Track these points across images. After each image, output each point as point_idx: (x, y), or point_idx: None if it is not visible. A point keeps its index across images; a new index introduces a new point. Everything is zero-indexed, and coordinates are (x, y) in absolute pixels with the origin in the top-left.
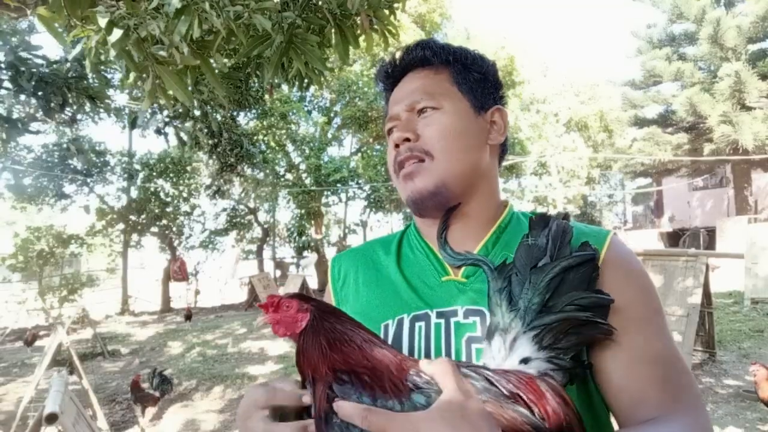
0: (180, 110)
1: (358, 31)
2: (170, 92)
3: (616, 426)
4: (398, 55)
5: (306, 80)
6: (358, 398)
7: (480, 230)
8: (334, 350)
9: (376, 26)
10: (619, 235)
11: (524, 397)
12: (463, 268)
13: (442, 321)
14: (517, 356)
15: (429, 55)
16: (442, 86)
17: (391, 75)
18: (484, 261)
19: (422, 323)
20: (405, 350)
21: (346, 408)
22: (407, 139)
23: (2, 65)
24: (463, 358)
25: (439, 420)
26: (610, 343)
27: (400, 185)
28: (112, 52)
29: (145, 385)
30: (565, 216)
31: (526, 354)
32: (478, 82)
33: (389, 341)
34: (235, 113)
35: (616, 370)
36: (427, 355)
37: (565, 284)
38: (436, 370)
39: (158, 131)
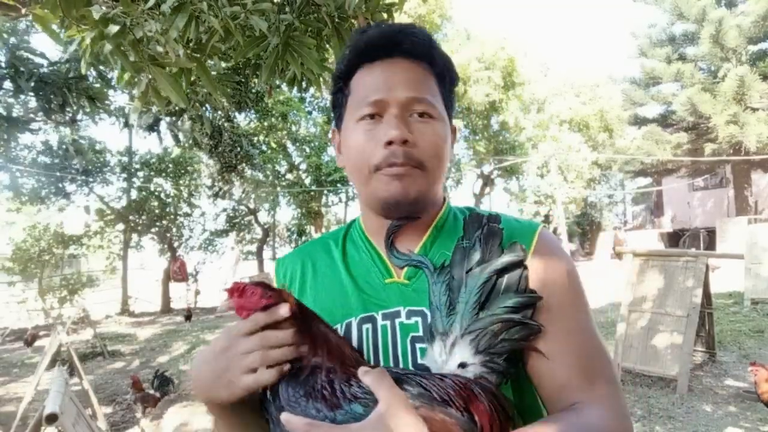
0: (175, 109)
1: None
2: (164, 94)
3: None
4: (392, 29)
5: (304, 82)
6: (303, 408)
7: (420, 231)
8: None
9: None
10: (620, 233)
11: (456, 401)
12: (405, 270)
13: (388, 322)
14: (456, 361)
15: (434, 54)
16: (436, 93)
17: (373, 49)
18: (425, 263)
19: (369, 325)
20: None
21: (293, 422)
22: (405, 141)
23: (2, 65)
24: (409, 357)
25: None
26: (538, 339)
27: (380, 181)
28: (108, 47)
29: (145, 386)
30: (496, 216)
31: (463, 359)
32: (450, 94)
33: None
34: (234, 114)
35: (543, 364)
36: (375, 357)
37: (496, 286)
38: (371, 379)
39: (150, 128)
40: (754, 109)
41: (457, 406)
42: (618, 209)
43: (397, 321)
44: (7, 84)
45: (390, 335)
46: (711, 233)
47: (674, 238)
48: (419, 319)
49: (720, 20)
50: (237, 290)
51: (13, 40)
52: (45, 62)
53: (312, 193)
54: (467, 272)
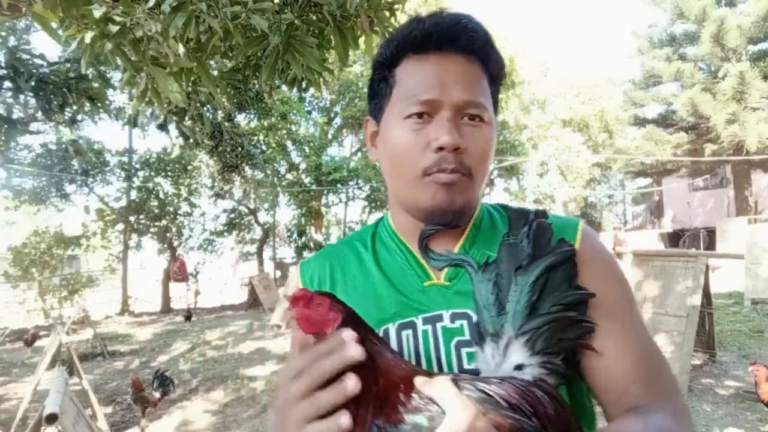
0: (176, 108)
1: (358, 33)
2: (163, 94)
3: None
4: (448, 20)
5: (305, 82)
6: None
7: (456, 232)
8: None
9: (376, 27)
10: (620, 233)
11: (523, 407)
12: (445, 271)
13: (429, 327)
14: (511, 363)
15: (490, 53)
16: (488, 96)
17: (422, 41)
18: (468, 261)
19: (409, 331)
20: None
21: None
22: (457, 148)
23: (1, 65)
24: (454, 364)
25: None
26: (593, 338)
27: (426, 189)
28: (108, 46)
29: (145, 386)
30: (543, 212)
31: (519, 360)
32: (499, 92)
33: None
34: (235, 114)
35: (600, 363)
36: (417, 364)
37: (549, 284)
38: (434, 390)
39: (161, 127)
40: (755, 109)
41: (525, 411)
42: (618, 209)
43: (439, 325)
44: (7, 84)
45: (432, 341)
46: (711, 233)
47: (674, 238)
48: (464, 323)
49: (721, 19)
50: (303, 299)
51: (12, 40)
52: (44, 62)
53: (312, 192)
54: (516, 270)
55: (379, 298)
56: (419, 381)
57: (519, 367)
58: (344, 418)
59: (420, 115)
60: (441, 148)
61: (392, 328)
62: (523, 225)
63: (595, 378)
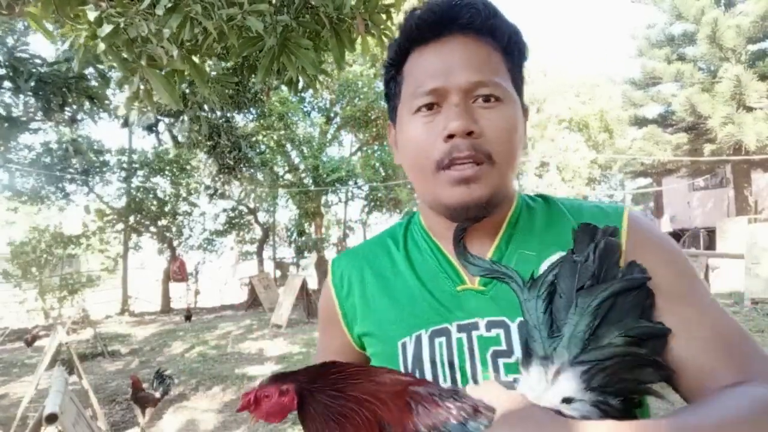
0: (172, 110)
1: (354, 35)
2: (156, 95)
3: None
4: (447, 2)
5: (302, 83)
6: None
7: (491, 230)
8: (340, 427)
9: (372, 30)
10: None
11: None
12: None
13: (464, 335)
14: (559, 393)
15: (498, 25)
16: (504, 72)
17: (427, 29)
18: (513, 277)
19: (443, 339)
20: (427, 369)
21: None
22: (470, 132)
23: (1, 64)
24: (490, 374)
25: (507, 427)
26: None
27: (443, 184)
28: (101, 47)
29: (145, 386)
30: (614, 229)
31: (569, 392)
32: (521, 74)
33: (409, 361)
34: (233, 114)
35: (675, 353)
36: (452, 374)
37: (614, 311)
38: (483, 391)
39: (149, 128)
40: (753, 109)
41: None
42: None
43: (474, 334)
44: (7, 84)
45: (467, 350)
46: (711, 233)
47: (674, 238)
48: (501, 332)
49: (715, 21)
50: (250, 402)
51: (11, 40)
52: (44, 62)
53: (311, 193)
54: (578, 290)
55: (411, 303)
56: (469, 388)
57: (567, 401)
58: None
59: (429, 106)
60: (451, 136)
61: (425, 335)
62: (589, 241)
63: (677, 375)
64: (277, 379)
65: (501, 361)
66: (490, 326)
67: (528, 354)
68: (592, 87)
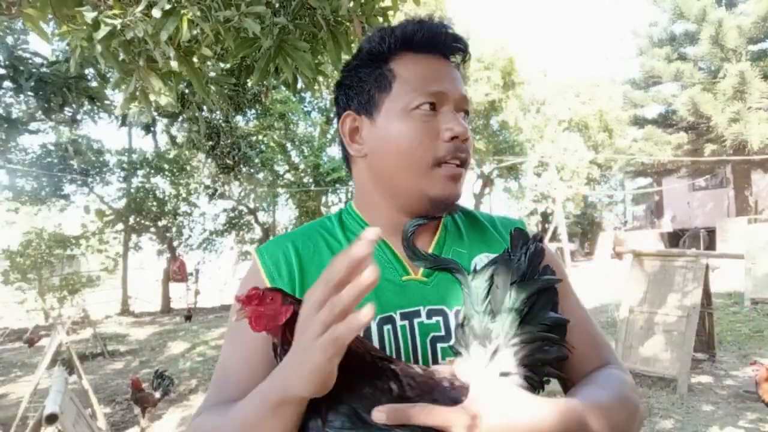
0: (170, 111)
1: (351, 38)
2: (152, 97)
3: None
4: (444, 27)
5: (300, 84)
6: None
7: (430, 228)
8: None
9: (369, 33)
10: (620, 233)
11: None
12: (422, 267)
13: (407, 322)
14: (497, 368)
15: (466, 61)
16: None
17: (419, 41)
18: (457, 269)
19: (389, 326)
20: None
21: (400, 410)
22: (466, 139)
23: (1, 64)
24: (429, 358)
25: (486, 401)
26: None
27: (436, 177)
28: (98, 48)
29: (144, 385)
30: (541, 236)
31: (506, 368)
32: None
33: None
34: (233, 115)
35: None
36: (397, 358)
37: (537, 303)
38: (457, 368)
39: (146, 128)
40: (756, 109)
41: None
42: (618, 209)
43: (416, 321)
44: (7, 84)
45: (409, 336)
46: (711, 233)
47: (674, 238)
48: (440, 319)
49: (719, 21)
50: (256, 297)
51: (10, 39)
52: (44, 62)
53: (310, 193)
54: (512, 284)
55: None
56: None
57: (505, 374)
58: (365, 309)
59: (431, 105)
60: (454, 137)
61: (373, 324)
62: (522, 245)
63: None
64: (284, 293)
65: (439, 345)
66: (430, 314)
67: (466, 334)
68: (593, 87)
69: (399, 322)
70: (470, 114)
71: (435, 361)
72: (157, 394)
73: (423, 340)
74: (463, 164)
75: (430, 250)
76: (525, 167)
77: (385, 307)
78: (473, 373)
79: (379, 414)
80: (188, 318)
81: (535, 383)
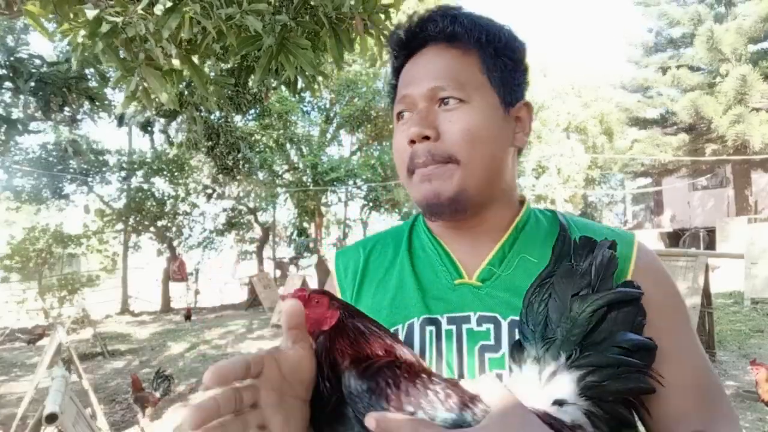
0: (169, 110)
1: (353, 35)
2: (153, 95)
3: None
4: (416, 20)
5: (300, 84)
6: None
7: (497, 232)
8: (362, 346)
9: (371, 30)
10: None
11: None
12: (478, 271)
13: (454, 327)
14: (551, 394)
15: (459, 31)
16: (472, 74)
17: (406, 45)
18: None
19: (432, 328)
20: None
21: (392, 420)
22: (426, 137)
23: (0, 64)
24: (476, 368)
25: (498, 427)
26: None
27: (413, 185)
28: (99, 46)
29: (145, 385)
30: (613, 243)
31: (562, 395)
32: (510, 71)
33: None
34: (232, 115)
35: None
36: (439, 363)
37: (607, 321)
38: (482, 386)
39: (144, 128)
40: (756, 110)
41: None
42: (618, 209)
43: (464, 326)
44: (7, 84)
45: (455, 341)
46: (711, 233)
47: (674, 238)
48: (491, 327)
49: (711, 31)
50: (302, 298)
51: (10, 40)
52: (44, 62)
53: (310, 192)
54: (573, 296)
55: (406, 294)
56: (464, 382)
57: (559, 403)
58: None
59: (401, 114)
60: (413, 142)
61: (416, 323)
62: (589, 252)
63: (651, 408)
64: (331, 296)
65: (487, 356)
66: (481, 321)
67: (519, 351)
68: (593, 89)
69: (445, 326)
70: (465, 92)
71: (482, 371)
72: (157, 394)
73: (471, 349)
74: (439, 162)
75: (492, 254)
76: (523, 168)
77: (431, 309)
78: (500, 398)
79: (370, 419)
80: (188, 318)
81: (598, 420)
